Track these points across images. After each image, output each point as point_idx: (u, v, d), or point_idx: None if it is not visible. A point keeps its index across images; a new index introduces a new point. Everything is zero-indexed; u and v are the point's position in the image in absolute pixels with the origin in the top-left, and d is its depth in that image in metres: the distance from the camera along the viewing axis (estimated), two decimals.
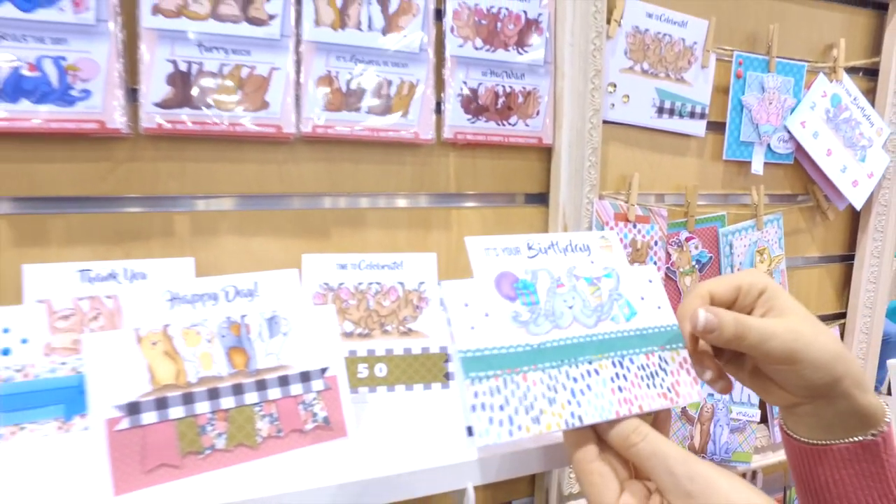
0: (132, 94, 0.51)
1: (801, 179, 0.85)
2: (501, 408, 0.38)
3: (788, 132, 0.80)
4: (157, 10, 0.49)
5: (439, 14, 0.59)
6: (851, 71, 0.84)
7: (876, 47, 0.86)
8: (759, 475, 0.88)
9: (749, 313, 0.41)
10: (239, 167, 0.56)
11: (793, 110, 0.79)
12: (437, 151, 0.61)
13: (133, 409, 0.40)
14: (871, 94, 0.87)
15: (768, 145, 0.79)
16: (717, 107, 0.76)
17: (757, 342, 0.38)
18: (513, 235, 0.45)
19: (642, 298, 0.46)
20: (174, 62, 0.50)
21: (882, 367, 0.96)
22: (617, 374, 0.42)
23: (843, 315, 0.92)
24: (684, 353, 0.44)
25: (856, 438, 0.38)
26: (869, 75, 0.87)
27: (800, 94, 0.80)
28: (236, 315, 0.45)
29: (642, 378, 0.43)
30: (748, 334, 0.38)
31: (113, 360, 0.40)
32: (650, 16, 0.69)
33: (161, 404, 0.41)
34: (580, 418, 0.40)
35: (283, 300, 0.47)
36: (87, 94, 0.48)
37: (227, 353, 0.44)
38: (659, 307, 0.46)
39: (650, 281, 0.47)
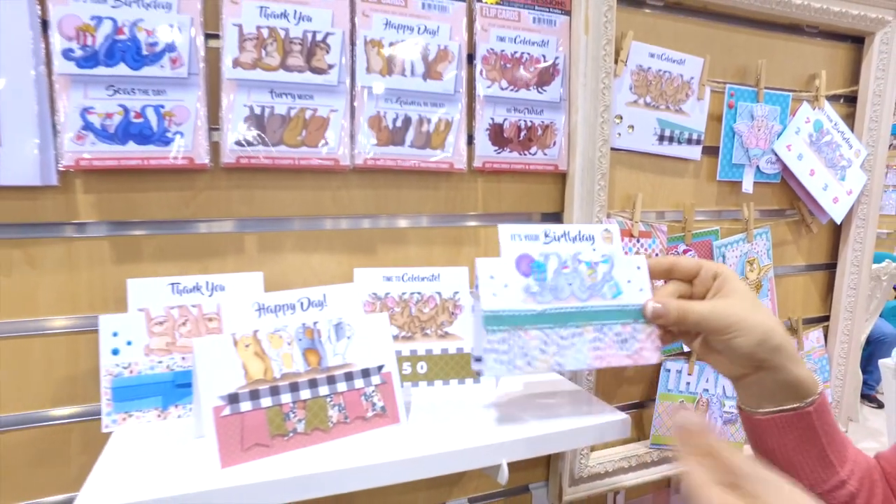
0: (215, 133, 0.60)
1: (787, 196, 0.94)
2: (505, 353, 0.53)
3: (775, 155, 0.89)
4: (236, 63, 0.58)
5: (471, 58, 0.68)
6: (832, 98, 0.94)
7: (854, 77, 0.96)
8: None
9: (704, 293, 0.52)
10: (299, 193, 0.65)
11: (779, 135, 0.89)
12: (467, 178, 0.70)
13: (233, 398, 0.49)
14: (850, 118, 0.96)
15: (757, 167, 0.88)
16: (711, 133, 0.85)
17: (697, 321, 0.49)
18: (533, 225, 0.57)
19: (629, 281, 0.57)
20: (250, 107, 0.59)
21: (874, 368, 1.05)
22: (596, 338, 0.55)
23: (826, 318, 1.01)
24: (654, 326, 0.56)
25: (790, 406, 0.47)
26: (848, 102, 0.97)
27: (786, 120, 0.89)
28: (310, 322, 0.54)
29: (616, 343, 0.56)
30: (688, 316, 0.50)
31: (217, 359, 0.49)
32: (652, 55, 0.78)
33: (254, 395, 0.50)
34: (561, 365, 0.54)
35: (346, 309, 0.57)
36: (180, 135, 0.57)
37: (304, 353, 0.53)
38: (641, 290, 0.58)
39: (638, 268, 0.58)
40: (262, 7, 0.59)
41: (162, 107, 0.57)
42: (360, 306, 0.58)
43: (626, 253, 0.65)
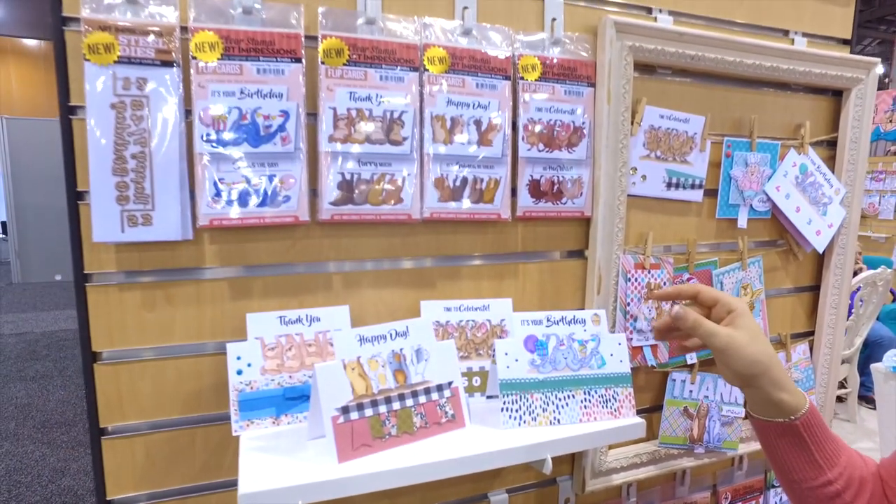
0: (314, 195, 0.74)
1: (777, 229, 1.09)
2: (516, 410, 0.72)
3: (766, 195, 1.04)
4: (331, 139, 0.73)
5: (514, 126, 0.83)
6: (815, 144, 1.08)
7: (835, 124, 1.10)
8: (745, 459, 1.12)
9: (718, 322, 0.63)
10: (375, 240, 0.79)
11: (770, 178, 1.03)
12: (510, 224, 0.84)
13: (345, 410, 0.63)
14: (831, 160, 1.11)
15: (751, 205, 1.03)
16: (711, 178, 1.00)
17: (705, 335, 0.62)
18: (538, 312, 0.76)
19: (612, 355, 0.77)
20: (342, 174, 0.74)
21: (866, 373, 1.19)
22: (585, 399, 0.74)
23: (811, 333, 1.16)
24: (630, 389, 0.76)
25: (778, 420, 0.61)
26: (829, 145, 1.11)
27: (775, 165, 1.04)
28: (397, 348, 0.68)
29: (600, 402, 0.75)
30: (701, 327, 0.62)
31: (333, 380, 0.64)
32: (662, 116, 0.93)
33: (360, 407, 0.64)
34: (559, 420, 0.73)
35: (423, 337, 0.71)
36: (287, 198, 0.72)
37: (394, 373, 0.68)
38: (621, 361, 0.77)
39: (619, 344, 0.77)
40: (351, 92, 0.73)
41: (275, 176, 0.71)
42: (433, 335, 0.72)
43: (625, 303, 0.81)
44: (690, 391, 1.03)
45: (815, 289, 1.15)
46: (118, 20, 0.65)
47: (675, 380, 1.02)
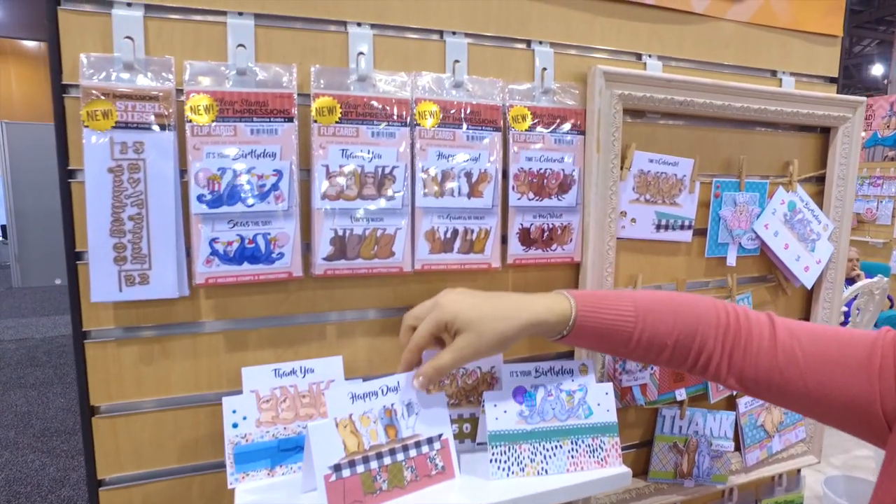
0: (307, 249, 0.76)
1: (766, 265, 1.10)
2: (505, 461, 0.73)
3: (755, 233, 1.05)
4: (324, 196, 0.74)
5: (505, 174, 0.84)
6: (804, 180, 1.10)
7: (822, 160, 1.12)
8: (735, 491, 1.14)
9: (454, 336, 0.66)
10: (368, 290, 0.81)
11: (758, 216, 1.05)
12: (501, 272, 0.86)
13: (337, 468, 0.65)
14: (819, 195, 1.13)
15: (740, 244, 1.05)
16: (700, 217, 1.01)
17: (457, 364, 0.66)
18: (528, 363, 0.77)
19: (599, 404, 0.78)
20: (335, 230, 0.75)
21: None
22: (572, 449, 0.76)
23: None
24: (616, 438, 0.77)
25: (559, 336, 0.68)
26: (817, 181, 1.13)
27: (764, 203, 1.05)
28: (388, 403, 0.70)
29: (587, 452, 0.76)
30: (444, 370, 0.66)
31: (325, 438, 0.65)
32: (651, 160, 0.94)
33: (352, 464, 0.66)
34: (546, 471, 0.74)
35: (414, 391, 0.73)
36: (281, 255, 0.73)
37: (385, 429, 0.69)
38: (608, 410, 0.78)
39: (606, 393, 0.79)
40: (343, 149, 0.75)
41: (269, 234, 0.73)
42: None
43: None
44: (680, 427, 1.05)
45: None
46: (117, 87, 0.66)
47: (664, 416, 1.04)
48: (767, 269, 1.11)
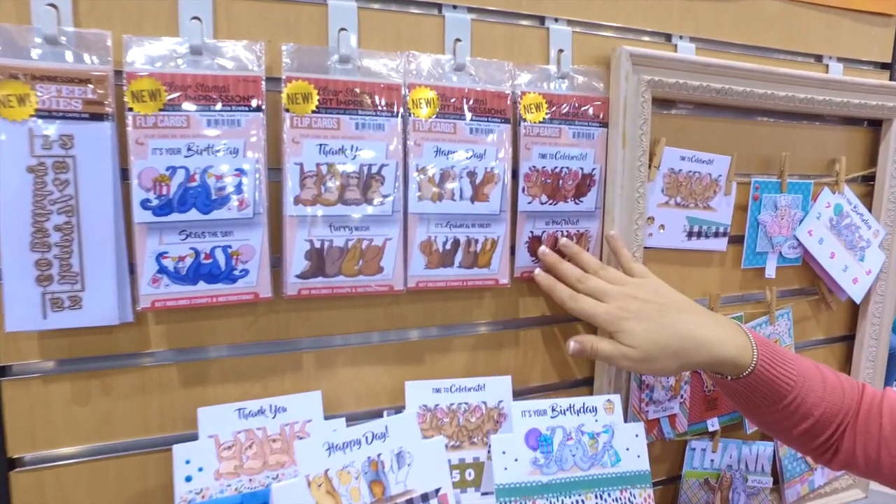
0: (278, 267, 0.63)
1: (808, 276, 0.97)
2: None
3: (797, 240, 0.92)
4: (297, 200, 0.62)
5: (514, 174, 0.71)
6: (851, 180, 0.97)
7: (872, 158, 0.99)
8: None
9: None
10: (352, 311, 0.68)
11: (801, 222, 0.92)
12: (509, 288, 0.73)
13: None
14: (868, 197, 1.00)
15: (780, 252, 0.92)
16: (736, 222, 0.88)
17: (609, 363, 0.70)
18: (542, 400, 0.65)
19: (628, 449, 0.65)
20: (310, 241, 0.62)
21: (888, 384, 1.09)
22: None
23: None
24: (650, 490, 0.64)
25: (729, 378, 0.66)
26: (866, 181, 1.00)
27: (807, 207, 0.92)
28: (374, 454, 0.57)
29: None
30: (599, 356, 0.67)
31: (293, 502, 0.53)
32: (683, 158, 0.81)
33: None
34: None
35: (405, 437, 0.60)
36: (245, 272, 0.61)
37: (370, 485, 0.57)
38: (638, 456, 0.65)
39: (637, 435, 0.66)
40: (321, 145, 0.62)
41: (230, 247, 0.60)
42: (418, 432, 0.61)
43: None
44: (712, 460, 0.92)
45: (848, 339, 1.04)
46: (35, 66, 0.54)
47: (694, 449, 0.91)
48: (810, 281, 0.98)
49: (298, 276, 0.62)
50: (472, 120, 0.68)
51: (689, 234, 0.84)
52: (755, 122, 0.89)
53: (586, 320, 0.67)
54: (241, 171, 0.60)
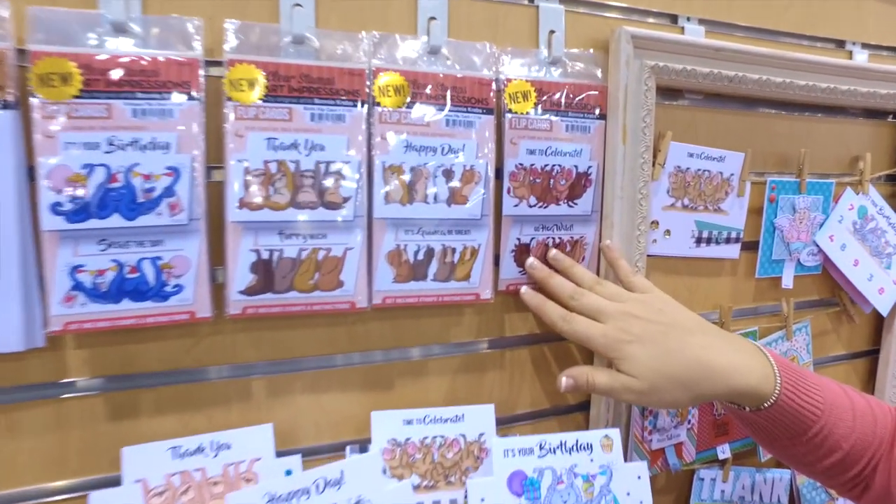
0: (220, 281, 0.54)
1: (829, 286, 0.88)
2: None
3: (817, 246, 0.83)
4: (242, 204, 0.53)
5: (498, 173, 0.62)
6: (876, 179, 0.88)
7: None
8: None
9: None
10: (311, 331, 0.59)
11: (821, 226, 0.83)
12: (492, 303, 0.64)
13: None
14: (895, 198, 0.90)
15: (798, 260, 0.83)
16: (750, 226, 0.79)
17: (609, 396, 0.62)
18: (529, 437, 0.56)
19: (628, 494, 0.56)
20: (257, 251, 0.53)
21: None
22: None
23: None
24: None
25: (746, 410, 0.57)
26: (893, 180, 0.91)
27: (828, 209, 0.83)
28: None
29: None
30: (596, 390, 0.57)
31: None
32: (691, 155, 0.72)
33: None
34: None
35: (366, 483, 0.51)
36: (179, 288, 0.52)
37: None
38: (641, 502, 0.56)
39: (639, 477, 0.57)
40: (269, 139, 0.53)
41: (160, 258, 0.51)
42: (380, 476, 0.52)
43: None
44: (722, 491, 0.83)
45: (872, 353, 0.95)
46: None
47: (702, 479, 0.82)
48: (830, 292, 0.89)
49: (243, 293, 0.53)
50: (448, 111, 0.59)
51: (698, 241, 0.75)
52: (771, 115, 0.79)
53: (581, 344, 0.58)
54: (173, 170, 0.51)
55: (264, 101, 0.53)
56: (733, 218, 0.77)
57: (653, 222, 0.71)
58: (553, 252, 0.64)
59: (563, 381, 0.58)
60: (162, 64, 0.50)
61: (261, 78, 0.53)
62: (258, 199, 0.53)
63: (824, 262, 0.85)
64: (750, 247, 0.80)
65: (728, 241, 0.77)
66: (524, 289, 0.62)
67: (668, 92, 0.71)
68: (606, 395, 0.59)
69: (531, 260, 0.63)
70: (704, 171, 0.73)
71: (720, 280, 0.79)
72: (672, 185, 0.72)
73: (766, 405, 0.54)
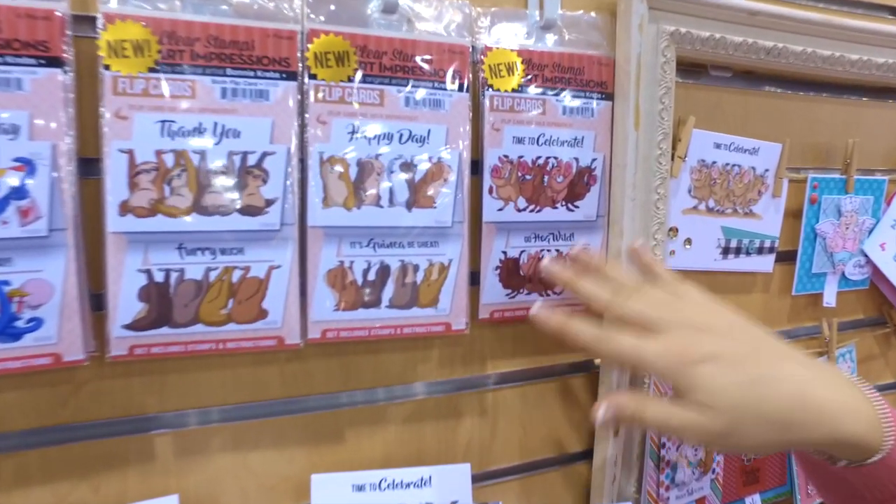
0: (97, 310, 0.41)
1: (875, 303, 0.75)
2: None
3: (866, 256, 0.69)
4: (125, 209, 0.39)
5: (477, 169, 0.49)
6: None
7: None
8: None
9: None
10: (231, 373, 0.46)
11: (871, 232, 0.69)
12: (470, 333, 0.51)
13: None
14: None
15: (843, 273, 0.69)
16: (786, 234, 0.65)
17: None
18: None
19: None
20: (148, 272, 0.40)
21: None
22: None
23: None
24: None
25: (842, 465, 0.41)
26: None
27: (879, 212, 0.70)
28: None
29: None
30: (659, 426, 0.42)
31: None
32: (718, 146, 0.58)
33: None
34: None
35: None
36: (36, 323, 0.38)
37: None
38: None
39: None
40: (163, 122, 0.40)
41: (7, 283, 0.37)
42: None
43: None
44: None
45: None
46: None
47: None
48: (878, 310, 0.75)
49: (129, 327, 0.40)
50: (411, 86, 0.45)
51: (725, 251, 0.61)
52: (813, 99, 0.66)
53: (628, 368, 0.45)
54: (24, 163, 0.37)
55: (156, 70, 0.40)
56: (767, 223, 0.63)
57: (671, 229, 0.58)
58: (577, 248, 0.50)
59: (602, 411, 0.42)
60: (3, 10, 0.37)
61: (151, 40, 0.39)
62: (148, 203, 0.40)
63: (872, 276, 0.71)
64: (786, 258, 0.66)
65: (760, 251, 0.64)
66: (536, 306, 0.45)
67: (690, 68, 0.58)
68: (664, 432, 0.48)
69: (547, 261, 0.49)
70: (734, 165, 0.60)
71: (750, 298, 0.66)
72: (695, 184, 0.58)
73: (869, 460, 0.40)
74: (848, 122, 0.68)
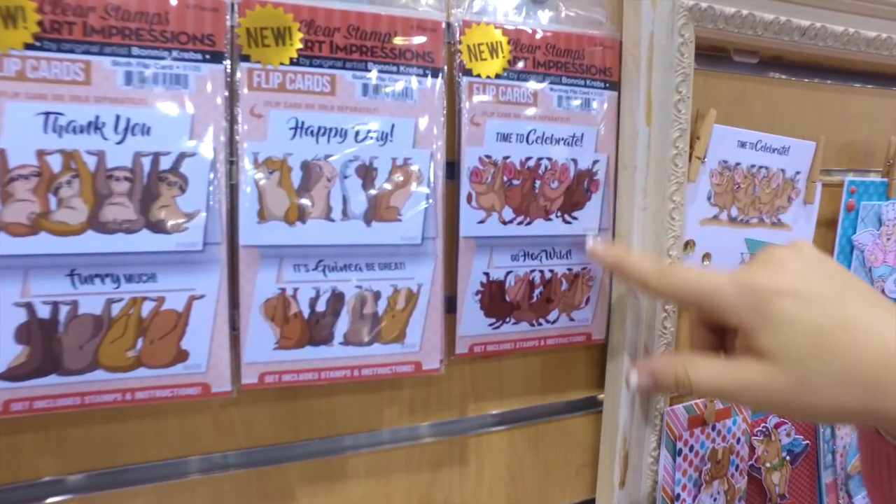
0: None
1: None
2: None
3: None
4: None
5: (453, 172, 0.40)
6: None
7: None
8: None
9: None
10: (152, 424, 0.37)
11: None
12: (444, 376, 0.42)
13: None
14: None
15: (882, 290, 0.60)
16: (819, 246, 0.56)
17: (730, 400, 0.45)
18: None
19: None
20: (28, 305, 0.31)
21: None
22: None
23: None
24: None
25: None
26: None
27: None
28: None
29: None
30: (706, 392, 0.35)
31: None
32: (743, 145, 0.50)
33: None
34: None
35: None
36: None
37: None
38: None
39: None
40: (46, 114, 0.31)
41: None
42: None
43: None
44: None
45: None
46: None
47: None
48: None
49: (5, 377, 0.31)
50: (369, 70, 0.37)
51: None
52: (852, 90, 0.57)
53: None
54: None
55: (35, 47, 0.31)
56: (798, 234, 0.54)
57: (687, 243, 0.49)
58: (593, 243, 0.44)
59: (635, 377, 0.37)
60: None
61: (29, 7, 0.31)
62: (28, 218, 0.31)
63: None
64: None
65: None
66: (591, 239, 0.44)
67: (711, 52, 0.49)
68: (717, 397, 0.44)
69: (591, 240, 0.44)
70: (761, 167, 0.51)
71: None
72: (715, 189, 0.49)
73: None
74: (888, 115, 0.59)
